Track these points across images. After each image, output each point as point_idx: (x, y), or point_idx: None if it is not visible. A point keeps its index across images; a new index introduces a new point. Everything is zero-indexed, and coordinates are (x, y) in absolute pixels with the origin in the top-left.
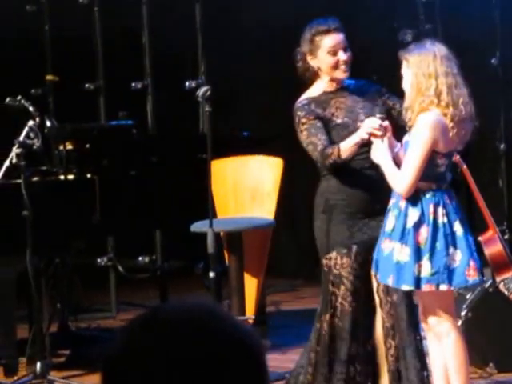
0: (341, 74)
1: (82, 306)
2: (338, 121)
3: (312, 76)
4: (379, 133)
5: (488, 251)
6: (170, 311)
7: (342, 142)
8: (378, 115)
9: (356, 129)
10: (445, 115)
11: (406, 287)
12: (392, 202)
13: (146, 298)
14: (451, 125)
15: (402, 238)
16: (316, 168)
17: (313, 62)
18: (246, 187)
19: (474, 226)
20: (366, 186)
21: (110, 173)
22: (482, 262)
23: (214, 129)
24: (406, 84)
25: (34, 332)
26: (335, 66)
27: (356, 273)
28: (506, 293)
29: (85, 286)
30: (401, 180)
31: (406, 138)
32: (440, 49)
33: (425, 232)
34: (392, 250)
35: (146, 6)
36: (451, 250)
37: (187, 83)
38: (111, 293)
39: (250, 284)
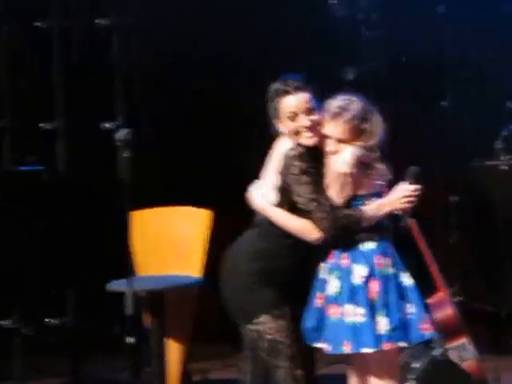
0: (306, 141)
1: None
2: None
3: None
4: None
5: (438, 315)
6: None
7: (367, 207)
8: (410, 181)
9: None
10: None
11: (366, 350)
12: (329, 263)
13: (57, 364)
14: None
15: (352, 298)
16: (248, 220)
17: (281, 127)
18: (170, 241)
19: (422, 287)
20: (301, 254)
21: (15, 224)
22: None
23: (134, 176)
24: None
25: None
26: (296, 133)
27: (294, 336)
28: (458, 361)
29: None
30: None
31: None
32: (361, 99)
33: (375, 286)
34: (341, 315)
35: (55, 38)
36: (403, 303)
37: (103, 125)
38: (16, 359)
39: (173, 350)
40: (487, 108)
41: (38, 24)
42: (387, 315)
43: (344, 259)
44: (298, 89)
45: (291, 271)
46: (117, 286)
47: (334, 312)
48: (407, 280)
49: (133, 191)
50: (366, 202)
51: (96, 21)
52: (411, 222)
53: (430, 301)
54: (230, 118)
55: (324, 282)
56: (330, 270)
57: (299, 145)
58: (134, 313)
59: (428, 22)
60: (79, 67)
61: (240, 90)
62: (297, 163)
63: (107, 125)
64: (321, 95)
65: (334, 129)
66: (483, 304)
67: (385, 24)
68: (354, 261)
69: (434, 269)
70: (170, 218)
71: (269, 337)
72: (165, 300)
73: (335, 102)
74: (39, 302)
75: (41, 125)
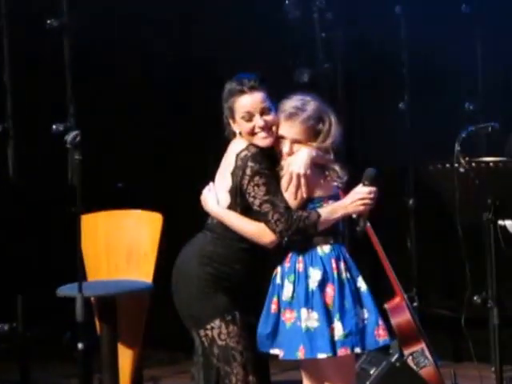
0: (260, 142)
1: None
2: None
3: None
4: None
5: (395, 321)
6: None
7: (323, 210)
8: (366, 183)
9: None
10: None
11: (322, 355)
12: (285, 267)
13: (4, 371)
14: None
15: (307, 303)
16: (199, 224)
17: (234, 128)
18: (121, 246)
19: (379, 292)
20: (255, 258)
21: None
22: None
23: (84, 179)
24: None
25: None
26: (251, 133)
27: (245, 342)
28: (415, 368)
29: None
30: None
31: None
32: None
33: (331, 291)
34: (295, 320)
35: (6, 39)
36: (358, 308)
37: (54, 126)
38: None
39: (125, 356)
40: (446, 110)
41: None
42: (342, 320)
43: (300, 263)
44: (252, 88)
45: (245, 276)
46: (67, 291)
47: (288, 317)
48: (362, 285)
49: (83, 194)
50: (324, 205)
51: (48, 21)
52: (367, 226)
53: (386, 306)
54: (182, 118)
55: (279, 286)
56: (286, 275)
57: (253, 145)
58: (84, 318)
59: (385, 22)
60: (29, 68)
61: (194, 90)
62: (250, 164)
63: (57, 127)
64: (276, 97)
65: (289, 129)
66: (441, 309)
67: (340, 24)
68: (311, 264)
69: (391, 273)
70: (121, 222)
71: (220, 343)
72: (116, 305)
73: (290, 102)
74: None
75: None
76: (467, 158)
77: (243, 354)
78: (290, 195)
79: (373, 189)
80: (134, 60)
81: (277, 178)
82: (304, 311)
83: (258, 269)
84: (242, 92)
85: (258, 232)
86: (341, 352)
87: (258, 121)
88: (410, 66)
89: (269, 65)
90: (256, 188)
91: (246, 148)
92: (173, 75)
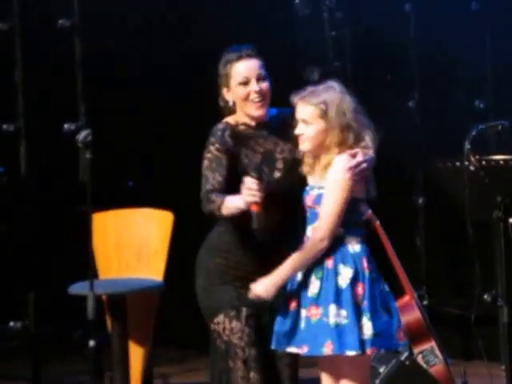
0: (254, 109)
1: None
2: (248, 162)
3: (231, 114)
4: (256, 199)
5: (405, 319)
6: None
7: (229, 197)
8: (252, 174)
9: (269, 179)
10: None
11: (350, 352)
12: (312, 264)
13: (16, 368)
14: (367, 174)
15: (337, 300)
16: (212, 222)
17: (228, 96)
18: (131, 244)
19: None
20: (260, 247)
21: None
22: None
23: (94, 177)
24: (308, 129)
25: None
26: (246, 98)
27: (249, 339)
28: (425, 366)
29: None
30: (322, 232)
31: (314, 192)
32: (339, 86)
33: (361, 289)
34: (322, 316)
35: (18, 38)
36: (384, 308)
37: (65, 126)
38: None
39: (135, 354)
40: (455, 108)
41: None
42: (372, 320)
43: (329, 260)
44: (249, 55)
45: (254, 263)
46: (78, 289)
47: (314, 313)
48: (384, 286)
49: (93, 193)
50: (361, 208)
51: (59, 21)
52: (377, 224)
53: (396, 304)
54: (194, 117)
55: (300, 283)
56: (312, 271)
57: (227, 123)
58: (95, 316)
59: (394, 20)
60: (41, 67)
61: (207, 88)
62: (210, 138)
63: (69, 126)
64: (286, 95)
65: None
66: (451, 307)
67: (350, 23)
68: (342, 262)
69: (400, 271)
70: (131, 220)
71: (225, 338)
72: (127, 303)
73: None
74: (1, 306)
75: (3, 126)
76: (477, 157)
77: (245, 351)
78: (336, 208)
79: (255, 180)
80: (146, 59)
81: (234, 157)
82: (333, 307)
83: (269, 257)
84: (239, 58)
85: (312, 250)
86: (369, 351)
87: (254, 85)
88: (420, 65)
89: (279, 63)
90: (204, 161)
91: (220, 123)
92: (186, 75)
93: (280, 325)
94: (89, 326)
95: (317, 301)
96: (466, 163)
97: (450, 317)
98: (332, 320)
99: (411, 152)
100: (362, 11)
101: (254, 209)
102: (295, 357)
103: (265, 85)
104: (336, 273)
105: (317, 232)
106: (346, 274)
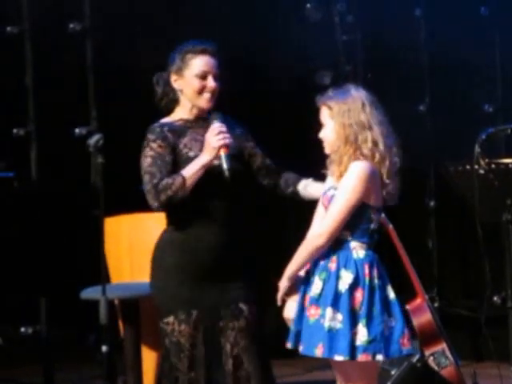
0: (204, 102)
1: None
2: (191, 154)
3: (170, 103)
4: (227, 141)
5: (416, 321)
6: None
7: (187, 167)
8: (215, 122)
9: (211, 166)
10: (379, 169)
11: (339, 357)
12: (318, 263)
13: (28, 375)
14: (387, 181)
15: (334, 303)
16: None
17: (176, 84)
18: (144, 248)
19: (400, 292)
20: (217, 240)
21: None
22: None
23: (106, 182)
24: (329, 134)
25: None
26: (200, 92)
27: (196, 341)
28: (436, 368)
29: None
30: (321, 228)
31: (330, 193)
32: (366, 94)
33: (360, 296)
34: (320, 317)
35: (28, 42)
36: (385, 316)
37: (77, 130)
38: None
39: (149, 358)
40: (465, 111)
41: (9, 28)
42: (367, 326)
43: (333, 262)
44: (213, 53)
45: (211, 261)
46: (90, 293)
47: (313, 313)
48: (391, 293)
49: (106, 197)
50: (372, 216)
51: (70, 25)
52: (390, 227)
53: (408, 306)
54: None
55: (309, 283)
56: (317, 271)
57: (162, 122)
58: (108, 321)
59: (405, 24)
60: (51, 71)
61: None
62: (148, 135)
63: (80, 130)
64: (299, 99)
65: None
66: (462, 309)
67: (361, 27)
68: (344, 266)
69: (413, 274)
70: (144, 224)
71: (173, 339)
72: (139, 307)
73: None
74: (12, 311)
75: (14, 130)
76: (487, 160)
77: (190, 350)
78: (341, 210)
79: (222, 124)
80: (159, 62)
81: (174, 150)
82: (329, 310)
83: (226, 251)
84: (204, 51)
85: (308, 245)
86: (361, 358)
87: (211, 81)
88: (430, 68)
89: (290, 67)
90: (144, 159)
91: (156, 122)
92: None
93: (295, 323)
94: (101, 331)
95: (317, 301)
96: (476, 166)
97: (461, 318)
98: (327, 323)
99: (422, 155)
100: (373, 15)
101: (225, 151)
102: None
103: (217, 85)
104: (337, 276)
105: (317, 228)
106: (346, 279)
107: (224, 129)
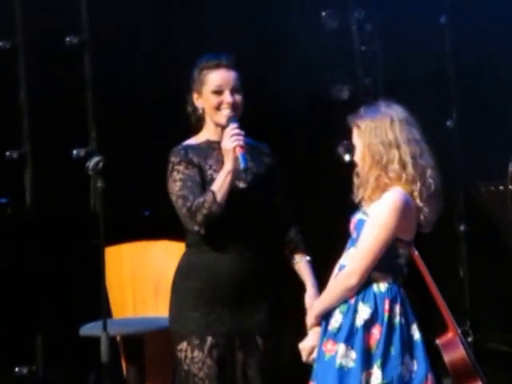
0: (223, 118)
1: None
2: (215, 175)
3: (198, 121)
4: (241, 142)
5: (448, 357)
6: None
7: (214, 183)
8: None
9: (234, 188)
10: (411, 193)
11: None
12: None
13: None
14: (420, 204)
15: (348, 339)
16: None
17: (198, 103)
18: (148, 280)
19: (429, 327)
20: (236, 265)
21: None
22: (441, 371)
23: (107, 208)
24: (357, 156)
25: None
26: (217, 108)
27: (209, 371)
28: None
29: None
30: (351, 266)
31: (358, 216)
32: (397, 111)
33: (377, 333)
34: (335, 354)
35: (22, 57)
36: (407, 357)
37: (75, 152)
38: None
39: None
40: (497, 127)
41: (1, 43)
42: (382, 368)
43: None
44: (229, 65)
45: (229, 284)
46: (90, 329)
47: (328, 349)
48: (415, 333)
49: (106, 224)
50: (400, 250)
51: (67, 38)
52: (415, 255)
53: (438, 341)
54: None
55: (328, 315)
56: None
57: (187, 144)
58: (110, 359)
59: (429, 33)
60: (47, 88)
61: None
62: (172, 158)
63: (78, 152)
64: (312, 115)
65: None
66: (498, 343)
67: (380, 36)
68: (362, 300)
69: (442, 305)
70: (148, 254)
71: (185, 367)
72: (144, 345)
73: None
74: (5, 349)
75: (7, 153)
76: None
77: (204, 382)
78: (373, 247)
79: (234, 125)
80: (163, 80)
81: (201, 172)
82: (342, 347)
83: (246, 277)
84: (218, 66)
85: (340, 285)
86: None
87: (228, 96)
88: (458, 81)
89: (305, 80)
90: (172, 184)
91: (179, 145)
92: None
93: (316, 360)
94: (102, 371)
95: (335, 336)
96: (510, 187)
97: (498, 354)
98: (338, 360)
99: (450, 175)
100: (394, 23)
101: (240, 151)
102: None
103: (238, 97)
104: (355, 310)
105: (347, 267)
106: (362, 314)
107: (237, 130)
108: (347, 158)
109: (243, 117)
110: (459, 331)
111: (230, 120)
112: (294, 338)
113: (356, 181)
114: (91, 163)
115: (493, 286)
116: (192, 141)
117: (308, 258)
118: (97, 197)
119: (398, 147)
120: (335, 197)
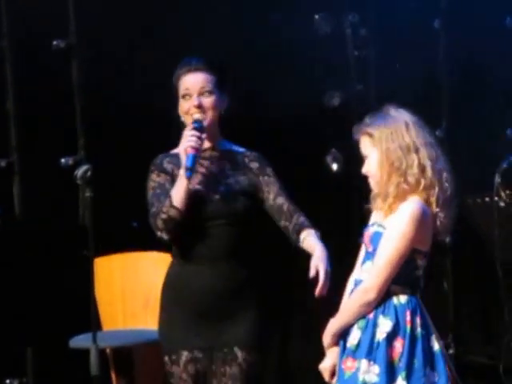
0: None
1: None
2: (189, 186)
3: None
4: (193, 143)
5: None
6: None
7: (173, 189)
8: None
9: (209, 201)
10: (426, 200)
11: None
12: None
13: None
14: (436, 210)
15: (370, 354)
16: None
17: (179, 110)
18: (138, 292)
19: None
20: (214, 277)
21: None
22: None
23: (96, 218)
24: (373, 164)
25: None
26: (187, 112)
27: None
28: None
29: None
30: (369, 281)
31: (373, 228)
32: (409, 115)
33: (400, 346)
34: (356, 371)
35: (9, 65)
36: (428, 369)
37: (63, 160)
38: None
39: None
40: (486, 137)
41: None
42: (407, 380)
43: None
44: (197, 69)
45: (207, 294)
46: (80, 342)
47: (349, 366)
48: (435, 345)
49: (96, 235)
50: (418, 261)
51: (54, 42)
52: None
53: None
54: None
55: (346, 332)
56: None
57: (169, 153)
58: (99, 372)
59: (424, 38)
60: (34, 95)
61: None
62: (150, 167)
63: (67, 160)
64: (304, 120)
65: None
66: (480, 356)
67: (375, 42)
68: (382, 313)
69: None
70: (137, 265)
71: (171, 380)
72: (133, 357)
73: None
74: None
75: None
76: (508, 191)
77: None
78: (392, 258)
79: (193, 127)
80: (152, 87)
81: (174, 180)
82: (364, 362)
83: (223, 289)
84: (188, 70)
85: (357, 301)
86: None
87: (194, 99)
88: (448, 89)
89: (296, 86)
90: (148, 192)
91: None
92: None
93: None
94: (93, 382)
95: (354, 353)
96: (497, 198)
97: (479, 366)
98: (361, 376)
99: None
100: (388, 29)
101: (191, 151)
102: None
103: (207, 100)
104: (375, 324)
105: (365, 282)
106: (384, 327)
107: (192, 132)
108: (335, 167)
109: (232, 123)
110: (442, 344)
111: (193, 122)
112: (299, 339)
113: (372, 192)
114: (79, 172)
115: (476, 300)
116: (175, 150)
117: (314, 230)
118: (85, 207)
119: (417, 151)
120: (324, 208)
